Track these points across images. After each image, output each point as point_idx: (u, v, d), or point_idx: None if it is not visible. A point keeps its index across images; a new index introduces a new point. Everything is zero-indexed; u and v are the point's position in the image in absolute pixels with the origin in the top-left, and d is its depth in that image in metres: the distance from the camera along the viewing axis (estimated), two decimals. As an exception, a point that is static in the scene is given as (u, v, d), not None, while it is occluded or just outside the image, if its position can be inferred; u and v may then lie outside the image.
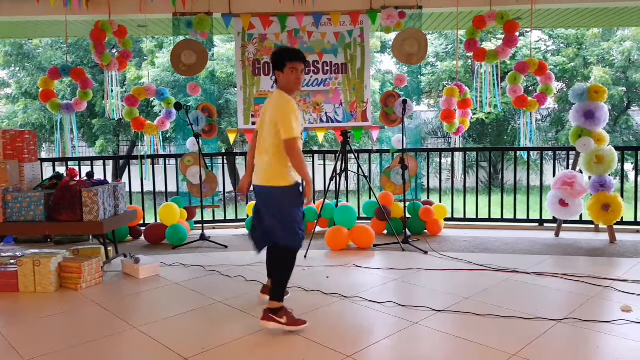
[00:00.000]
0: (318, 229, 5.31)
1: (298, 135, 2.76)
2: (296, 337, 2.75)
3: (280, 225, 2.82)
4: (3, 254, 4.37)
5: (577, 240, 5.02)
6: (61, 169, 5.58)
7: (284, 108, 2.78)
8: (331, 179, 4.99)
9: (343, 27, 5.36)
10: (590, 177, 5.01)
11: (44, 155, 14.50)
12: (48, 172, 5.21)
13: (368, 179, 5.33)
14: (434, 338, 2.73)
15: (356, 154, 5.14)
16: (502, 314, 2.98)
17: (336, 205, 5.23)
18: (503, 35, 5.31)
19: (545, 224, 5.72)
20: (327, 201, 5.18)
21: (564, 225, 5.32)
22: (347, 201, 5.83)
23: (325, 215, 5.33)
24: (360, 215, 5.72)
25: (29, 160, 4.37)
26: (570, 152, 5.58)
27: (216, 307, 3.26)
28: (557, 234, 5.28)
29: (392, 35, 5.43)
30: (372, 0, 5.31)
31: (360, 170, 5.15)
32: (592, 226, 5.42)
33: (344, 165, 4.93)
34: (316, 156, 6.54)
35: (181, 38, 5.42)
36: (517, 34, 5.26)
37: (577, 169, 5.15)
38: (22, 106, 12.49)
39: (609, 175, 4.96)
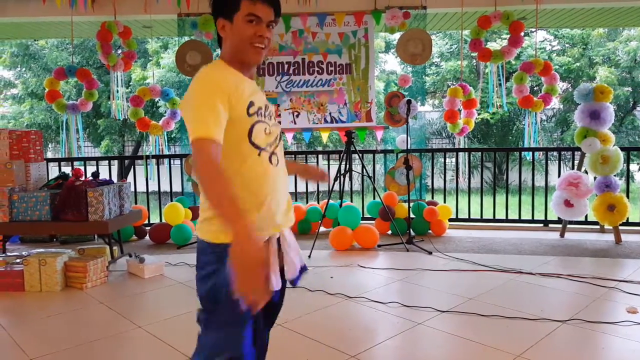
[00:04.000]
0: (322, 229, 5.32)
1: (211, 135, 1.36)
2: (300, 337, 2.75)
3: (202, 316, 1.53)
4: (9, 254, 4.39)
5: (582, 241, 4.99)
6: (67, 169, 5.62)
7: (198, 89, 1.43)
8: (335, 179, 4.99)
9: (347, 27, 5.36)
10: (595, 178, 4.99)
11: (49, 155, 14.57)
12: (54, 172, 5.25)
13: (372, 179, 5.33)
14: (438, 338, 2.73)
15: (360, 154, 5.14)
16: (507, 314, 2.97)
17: (340, 206, 5.23)
18: (508, 35, 5.30)
19: (550, 225, 5.70)
20: (331, 201, 5.18)
21: (569, 225, 5.30)
22: (351, 201, 5.82)
23: (329, 215, 5.33)
24: (365, 216, 5.72)
25: (35, 160, 4.39)
26: (576, 153, 5.56)
27: (220, 307, 3.27)
28: (562, 235, 5.26)
29: (397, 36, 5.43)
30: (377, 0, 5.31)
31: (364, 171, 5.15)
32: (598, 227, 5.40)
33: (348, 166, 4.93)
34: (320, 156, 6.55)
35: (186, 38, 5.44)
36: (522, 33, 5.25)
37: (583, 169, 5.13)
38: (28, 106, 12.56)
39: (615, 175, 4.94)
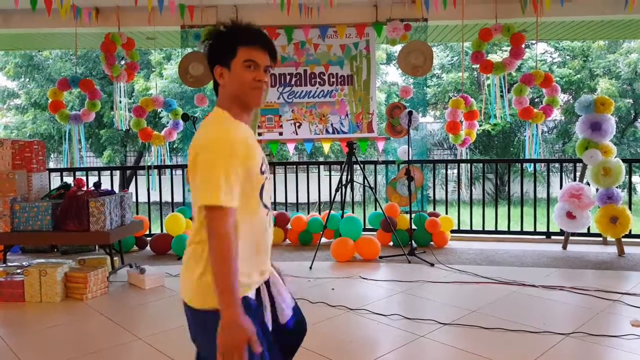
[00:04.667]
0: (323, 240, 5.30)
1: (228, 204, 1.35)
2: (301, 349, 2.73)
3: None
4: (10, 264, 4.39)
5: (584, 253, 4.97)
6: (69, 179, 5.63)
7: (209, 147, 1.39)
8: (337, 190, 4.99)
9: (349, 39, 5.39)
10: (597, 190, 4.98)
11: (52, 165, 14.62)
12: (56, 182, 5.26)
13: (374, 190, 5.32)
14: (441, 351, 2.70)
15: (362, 165, 5.14)
16: (509, 327, 2.95)
17: (342, 216, 5.22)
18: (509, 47, 5.32)
19: (552, 237, 5.68)
20: (332, 212, 5.17)
21: (571, 237, 5.28)
22: (353, 212, 5.82)
23: (330, 226, 5.32)
24: (366, 227, 5.71)
25: (37, 170, 4.40)
26: (577, 164, 5.56)
27: (221, 319, 3.25)
28: (564, 247, 5.24)
29: (398, 47, 5.46)
30: (378, 12, 5.35)
31: (365, 182, 5.15)
32: (600, 239, 5.37)
33: (349, 176, 4.93)
34: (322, 167, 6.55)
35: (189, 50, 5.47)
36: (523, 45, 5.28)
37: (584, 181, 5.12)
38: (31, 117, 12.62)
39: (617, 187, 4.93)
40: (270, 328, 1.53)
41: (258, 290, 1.52)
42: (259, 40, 1.49)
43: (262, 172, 1.47)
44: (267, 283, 1.58)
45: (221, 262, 1.32)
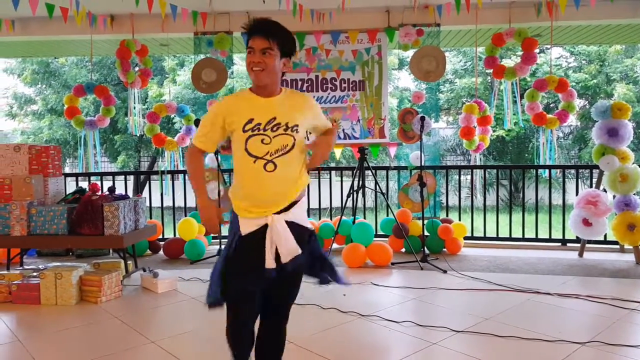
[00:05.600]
0: (335, 245, 5.29)
1: (192, 142, 2.10)
2: (312, 355, 2.72)
3: None
4: (26, 267, 4.45)
5: (601, 261, 4.89)
6: (84, 184, 5.70)
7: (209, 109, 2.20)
8: (348, 196, 4.98)
9: (361, 44, 5.40)
10: (614, 196, 4.90)
11: (67, 170, 14.82)
12: (71, 186, 5.33)
13: (385, 196, 5.30)
14: (453, 359, 2.67)
15: (373, 171, 5.13)
16: (524, 335, 2.91)
17: (353, 222, 5.21)
18: (522, 52, 5.28)
19: (568, 244, 5.59)
20: (344, 218, 5.16)
21: (587, 245, 5.19)
22: (365, 218, 5.80)
23: (342, 232, 5.31)
24: (378, 233, 5.68)
25: (54, 175, 4.47)
26: (594, 170, 5.48)
27: (233, 324, 3.25)
28: (580, 254, 5.16)
29: (410, 53, 5.45)
30: (390, 18, 5.35)
31: (377, 187, 5.13)
32: (617, 246, 5.28)
33: (361, 182, 4.92)
34: (333, 172, 6.54)
35: (202, 56, 5.52)
36: (537, 50, 5.23)
37: (601, 187, 5.04)
38: (48, 122, 12.83)
39: (634, 194, 4.85)
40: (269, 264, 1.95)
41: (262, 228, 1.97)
42: (254, 28, 1.94)
43: (244, 131, 1.95)
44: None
45: (189, 172, 2.13)
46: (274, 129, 1.96)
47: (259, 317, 2.10)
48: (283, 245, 1.95)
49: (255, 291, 1.99)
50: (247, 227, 1.97)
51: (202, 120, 2.06)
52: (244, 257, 1.96)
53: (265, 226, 1.95)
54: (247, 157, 1.95)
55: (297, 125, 1.99)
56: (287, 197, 1.99)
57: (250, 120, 1.95)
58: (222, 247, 5.20)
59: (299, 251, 1.98)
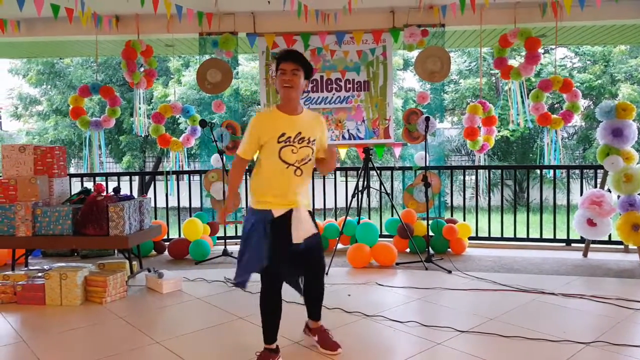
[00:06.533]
0: (340, 246, 5.29)
1: (239, 154, 2.65)
2: (317, 355, 2.73)
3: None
4: (31, 267, 4.47)
5: (606, 261, 4.87)
6: (89, 184, 5.73)
7: (248, 125, 2.65)
8: (353, 196, 4.98)
9: (365, 45, 5.40)
10: (619, 196, 4.89)
11: (72, 170, 14.89)
12: (76, 187, 5.35)
13: (390, 196, 5.30)
14: (458, 359, 2.67)
15: (378, 171, 5.12)
16: (528, 335, 2.90)
17: (358, 223, 5.21)
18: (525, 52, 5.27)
19: (572, 244, 5.58)
20: (349, 218, 5.17)
21: (592, 245, 5.18)
22: (369, 218, 5.79)
23: (347, 232, 5.31)
24: (383, 233, 5.68)
25: (59, 176, 4.49)
26: (598, 171, 5.46)
27: (238, 323, 3.26)
28: (585, 255, 5.14)
29: (415, 53, 5.45)
30: (395, 18, 5.35)
31: (382, 188, 5.13)
32: (622, 247, 5.26)
33: (366, 182, 4.92)
34: (338, 173, 6.55)
35: (207, 57, 5.54)
36: (542, 51, 5.21)
37: (606, 187, 5.03)
38: (53, 123, 12.88)
39: (639, 194, 4.83)
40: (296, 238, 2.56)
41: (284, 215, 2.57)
42: (285, 56, 2.56)
43: (279, 142, 2.52)
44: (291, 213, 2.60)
45: (230, 177, 2.78)
46: (300, 141, 2.56)
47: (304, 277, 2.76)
48: (304, 225, 2.58)
49: (285, 263, 2.55)
50: (277, 213, 2.55)
51: (244, 137, 2.61)
52: (278, 235, 2.51)
53: (290, 211, 2.55)
54: (281, 163, 2.54)
55: (315, 140, 2.61)
56: (304, 195, 2.64)
57: (283, 134, 2.52)
58: (226, 247, 5.21)
59: (315, 230, 2.66)
